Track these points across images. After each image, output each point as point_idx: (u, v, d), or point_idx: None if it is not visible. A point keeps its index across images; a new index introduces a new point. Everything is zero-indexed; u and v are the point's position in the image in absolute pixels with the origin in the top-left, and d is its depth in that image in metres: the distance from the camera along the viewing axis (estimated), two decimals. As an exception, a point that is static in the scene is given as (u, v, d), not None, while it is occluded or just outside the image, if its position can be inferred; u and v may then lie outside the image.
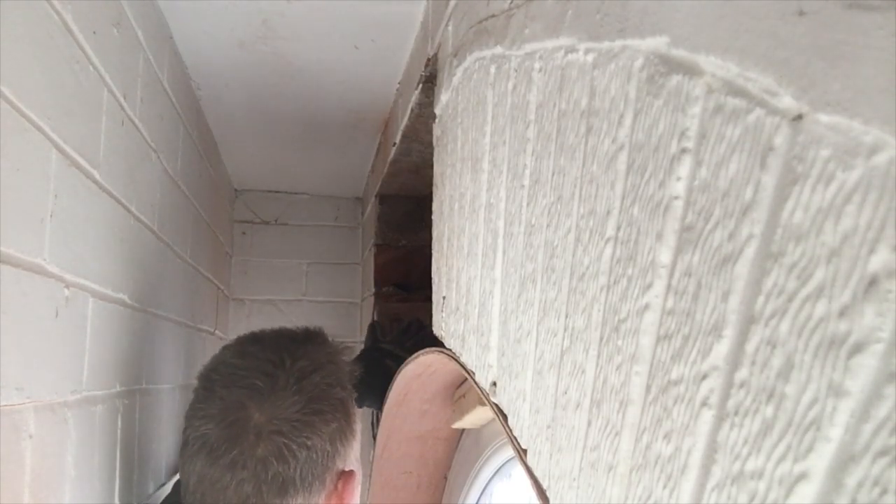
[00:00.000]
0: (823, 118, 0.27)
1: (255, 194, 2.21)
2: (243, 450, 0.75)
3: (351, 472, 0.83)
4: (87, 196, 0.75)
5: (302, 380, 0.80)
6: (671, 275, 0.37)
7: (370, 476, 1.48)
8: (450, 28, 0.93)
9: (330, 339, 0.91)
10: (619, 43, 0.44)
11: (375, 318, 1.65)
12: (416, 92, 1.13)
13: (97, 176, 0.78)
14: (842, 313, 0.25)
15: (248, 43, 1.22)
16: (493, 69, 0.71)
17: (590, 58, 0.48)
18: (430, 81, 1.08)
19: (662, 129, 0.39)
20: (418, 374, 1.24)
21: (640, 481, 0.39)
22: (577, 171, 0.50)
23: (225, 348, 0.87)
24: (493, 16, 0.71)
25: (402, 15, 1.12)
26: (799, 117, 0.28)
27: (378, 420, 1.44)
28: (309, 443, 0.77)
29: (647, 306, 0.39)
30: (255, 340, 0.86)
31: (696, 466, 0.34)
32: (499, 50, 0.69)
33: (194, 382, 0.84)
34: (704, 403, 0.34)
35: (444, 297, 0.97)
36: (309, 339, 0.87)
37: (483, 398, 0.75)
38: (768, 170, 0.30)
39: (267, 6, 1.09)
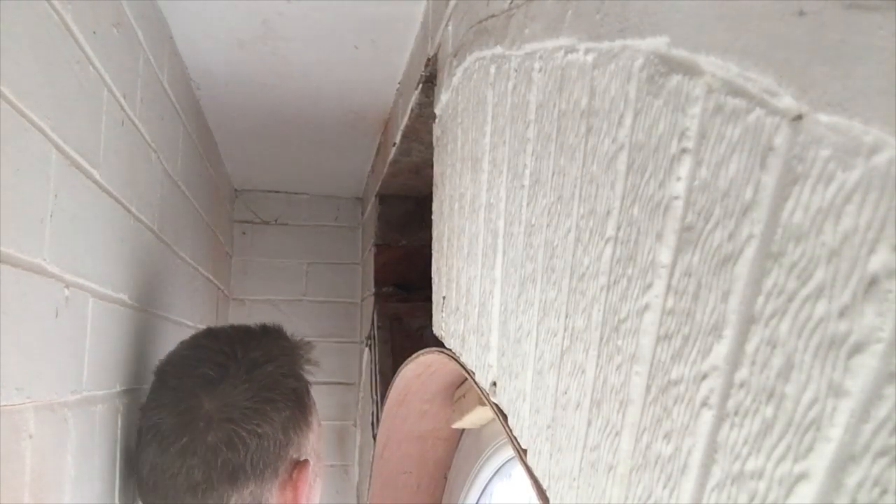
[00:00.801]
0: (823, 118, 0.27)
1: (255, 194, 2.21)
2: (194, 437, 0.76)
3: (305, 462, 0.83)
4: (87, 196, 0.75)
5: (253, 369, 0.80)
6: (671, 275, 0.37)
7: (370, 476, 1.48)
8: (450, 28, 0.93)
9: (290, 335, 0.91)
10: (619, 43, 0.44)
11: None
12: (416, 92, 1.13)
13: (97, 176, 0.78)
14: (842, 313, 0.25)
15: (248, 43, 1.22)
16: (493, 69, 0.71)
17: (590, 58, 0.48)
18: (430, 81, 1.08)
19: (662, 129, 0.39)
20: (418, 374, 1.24)
21: (640, 481, 0.39)
22: (577, 171, 0.50)
23: (180, 343, 0.88)
24: (493, 16, 0.71)
25: (402, 15, 1.12)
26: (799, 117, 0.28)
27: (378, 420, 1.44)
28: (259, 430, 0.77)
29: (647, 306, 0.39)
30: (208, 334, 0.88)
31: (696, 466, 0.34)
32: (499, 50, 0.69)
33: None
34: (704, 403, 0.34)
35: (444, 297, 0.97)
36: (265, 333, 0.88)
37: (483, 398, 0.75)
38: (768, 170, 0.30)
39: (267, 6, 1.09)
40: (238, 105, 1.50)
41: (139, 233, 0.97)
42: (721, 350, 0.33)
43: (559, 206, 0.53)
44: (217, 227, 1.77)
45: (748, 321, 0.31)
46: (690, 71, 0.36)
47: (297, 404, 0.83)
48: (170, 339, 1.21)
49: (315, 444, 0.87)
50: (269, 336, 0.88)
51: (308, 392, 0.87)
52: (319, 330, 2.19)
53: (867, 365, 0.24)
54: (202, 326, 1.59)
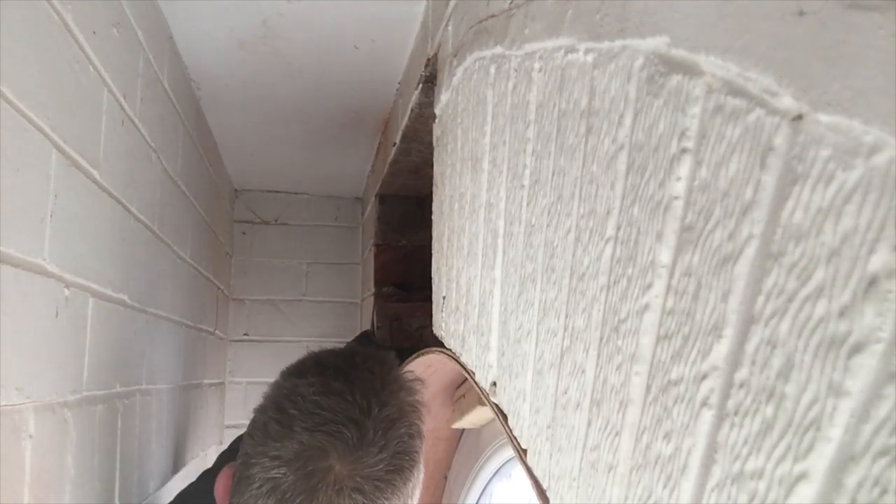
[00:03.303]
0: (823, 118, 0.27)
1: (255, 194, 2.21)
2: None
3: None
4: (87, 196, 0.75)
5: (388, 430, 0.73)
6: (671, 275, 0.37)
7: (370, 476, 1.48)
8: (450, 28, 0.93)
9: (398, 366, 0.84)
10: (619, 43, 0.44)
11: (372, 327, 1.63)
12: (416, 92, 1.13)
13: (97, 176, 0.78)
14: (842, 313, 0.25)
15: (248, 43, 1.22)
16: (493, 69, 0.71)
17: (590, 58, 0.48)
18: (430, 81, 1.08)
19: (662, 129, 0.39)
20: (418, 374, 1.24)
21: (640, 481, 0.39)
22: (577, 171, 0.50)
23: (300, 375, 0.78)
24: (493, 16, 0.71)
25: (402, 15, 1.12)
26: (799, 117, 0.28)
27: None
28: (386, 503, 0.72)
29: (647, 306, 0.39)
30: (338, 374, 0.77)
31: (696, 466, 0.34)
32: (499, 50, 0.69)
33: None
34: (704, 403, 0.34)
35: (444, 297, 0.97)
36: (390, 377, 0.79)
37: (483, 398, 0.75)
38: (768, 170, 0.30)
39: (267, 6, 1.09)
40: (238, 105, 1.50)
41: (139, 233, 0.97)
42: (721, 350, 0.33)
43: (559, 206, 0.53)
44: (217, 227, 1.77)
45: (748, 321, 0.31)
46: (690, 71, 0.36)
47: (418, 469, 0.77)
48: (170, 339, 1.21)
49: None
50: (397, 382, 0.79)
51: (423, 445, 0.80)
52: (319, 330, 2.19)
53: (867, 365, 0.24)
54: (202, 326, 1.59)
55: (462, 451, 1.43)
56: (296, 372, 0.78)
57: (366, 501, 0.70)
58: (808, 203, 0.27)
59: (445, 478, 1.48)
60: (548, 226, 0.56)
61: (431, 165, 1.08)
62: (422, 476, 0.79)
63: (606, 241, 0.45)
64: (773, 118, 0.30)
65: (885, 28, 0.24)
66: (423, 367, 1.20)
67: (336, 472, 0.69)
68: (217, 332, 1.86)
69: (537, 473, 0.56)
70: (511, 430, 0.64)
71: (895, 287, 0.23)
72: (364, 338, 1.58)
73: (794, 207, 0.28)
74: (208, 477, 0.95)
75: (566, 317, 0.51)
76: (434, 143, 1.06)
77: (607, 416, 0.44)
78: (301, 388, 0.75)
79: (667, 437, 0.37)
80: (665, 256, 0.38)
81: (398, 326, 1.65)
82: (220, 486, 0.75)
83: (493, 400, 0.70)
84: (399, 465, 0.73)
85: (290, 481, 0.69)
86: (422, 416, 0.79)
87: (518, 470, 1.06)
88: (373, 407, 0.73)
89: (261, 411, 0.76)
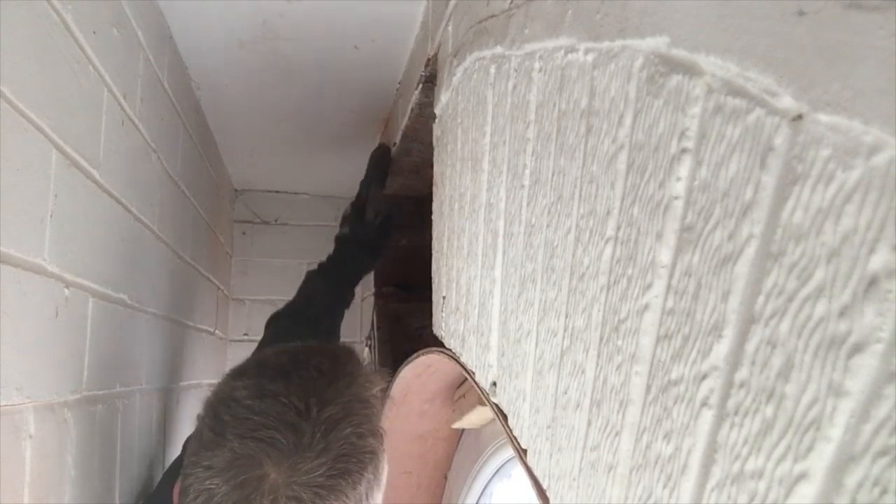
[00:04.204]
0: (823, 118, 0.27)
1: (255, 194, 2.21)
2: None
3: None
4: (87, 196, 0.75)
5: (329, 432, 0.68)
6: (671, 275, 0.37)
7: (370, 476, 1.48)
8: (450, 28, 0.93)
9: (362, 362, 0.79)
10: (619, 43, 0.44)
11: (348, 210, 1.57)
12: (416, 92, 1.13)
13: (97, 176, 0.78)
14: (842, 313, 0.25)
15: (248, 43, 1.22)
16: (493, 69, 0.71)
17: (590, 58, 0.48)
18: (430, 81, 1.08)
19: (662, 129, 0.39)
20: (418, 374, 1.24)
21: (640, 481, 0.39)
22: (577, 171, 0.50)
23: (238, 377, 0.73)
24: (493, 16, 0.71)
25: (402, 15, 1.12)
26: (799, 117, 0.28)
27: (378, 420, 1.44)
28: None
29: (647, 306, 0.39)
30: (276, 375, 0.72)
31: (696, 466, 0.34)
32: (499, 50, 0.69)
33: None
34: (704, 403, 0.34)
35: (444, 297, 0.97)
36: (339, 373, 0.74)
37: (483, 398, 0.75)
38: (768, 170, 0.30)
39: (267, 6, 1.09)
40: (238, 105, 1.50)
41: (139, 233, 0.97)
42: (721, 350, 0.33)
43: (559, 206, 0.53)
44: (217, 227, 1.77)
45: (748, 321, 0.31)
46: (690, 71, 0.36)
47: (374, 469, 0.71)
48: (170, 339, 1.21)
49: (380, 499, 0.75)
50: (345, 377, 0.74)
51: (383, 443, 0.74)
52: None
53: (867, 365, 0.24)
54: (202, 326, 1.59)
55: (462, 451, 1.43)
56: (236, 373, 0.74)
57: None
58: (808, 203, 0.27)
59: (445, 478, 1.48)
60: (548, 226, 0.56)
61: (431, 165, 1.08)
62: (381, 475, 0.73)
63: (606, 241, 0.45)
64: (773, 118, 0.30)
65: (885, 28, 0.24)
66: (423, 367, 1.20)
67: (271, 481, 0.65)
68: (217, 332, 1.86)
69: (537, 473, 0.56)
70: (511, 430, 0.64)
71: (895, 287, 0.23)
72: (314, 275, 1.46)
73: (794, 207, 0.28)
74: (164, 483, 0.90)
75: (566, 317, 0.51)
76: (434, 143, 1.06)
77: (607, 416, 0.44)
78: (236, 392, 0.71)
79: (667, 437, 0.37)
80: (665, 256, 0.38)
81: (398, 326, 1.64)
82: (175, 499, 0.71)
83: (493, 400, 0.70)
84: (344, 469, 0.67)
85: (222, 492, 0.65)
86: (376, 412, 0.74)
87: (518, 470, 1.06)
88: (311, 408, 0.69)
89: (199, 418, 0.72)
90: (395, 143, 1.40)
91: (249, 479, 0.65)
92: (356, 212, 1.51)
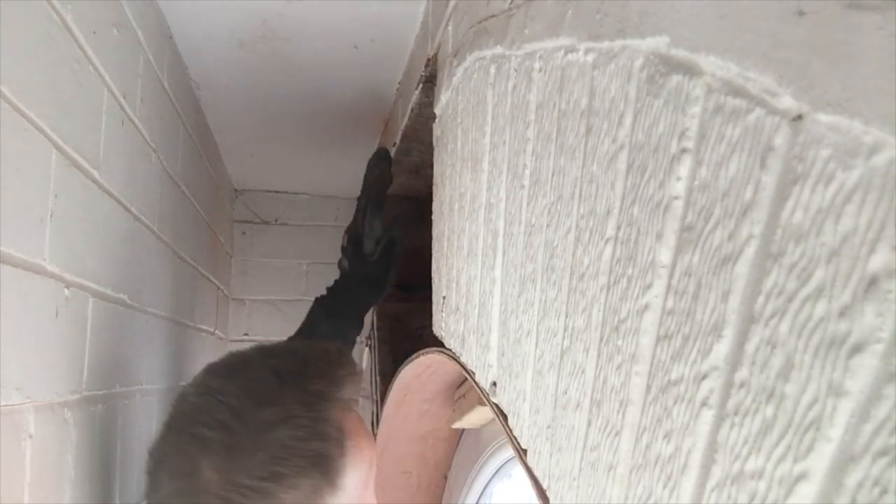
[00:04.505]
0: (823, 118, 0.27)
1: (255, 194, 2.21)
2: None
3: None
4: (87, 196, 0.75)
5: (263, 434, 0.66)
6: (671, 275, 0.37)
7: (370, 476, 1.48)
8: (450, 28, 0.93)
9: (345, 363, 0.76)
10: (619, 43, 0.44)
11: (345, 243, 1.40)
12: (416, 92, 1.13)
13: (97, 176, 0.78)
14: (842, 313, 0.25)
15: (248, 43, 1.22)
16: (493, 69, 0.71)
17: (590, 58, 0.48)
18: (430, 81, 1.08)
19: (662, 129, 0.39)
20: (418, 374, 1.24)
21: (640, 481, 0.39)
22: (577, 171, 0.50)
23: (202, 371, 0.75)
24: (493, 16, 0.71)
25: (402, 15, 1.12)
26: (799, 117, 0.28)
27: (378, 420, 1.44)
28: None
29: (647, 306, 0.39)
30: (225, 373, 0.72)
31: (696, 466, 0.34)
32: (499, 50, 0.69)
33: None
34: (704, 403, 0.34)
35: (444, 297, 0.97)
36: (296, 375, 0.72)
37: (483, 398, 0.75)
38: (768, 170, 0.30)
39: (267, 6, 1.09)
40: (238, 105, 1.50)
41: (139, 233, 0.97)
42: (721, 350, 0.33)
43: (559, 206, 0.53)
44: (217, 227, 1.77)
45: (748, 321, 0.31)
46: (690, 71, 0.36)
47: (323, 471, 0.67)
48: (170, 339, 1.21)
49: (357, 498, 0.71)
50: (304, 380, 0.71)
51: (341, 446, 0.70)
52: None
53: (867, 365, 0.24)
54: (202, 326, 1.59)
55: (462, 451, 1.43)
56: (207, 367, 0.76)
57: None
58: (808, 203, 0.27)
59: (445, 478, 1.48)
60: (548, 226, 0.56)
61: (431, 165, 1.08)
62: (340, 479, 0.69)
63: (606, 241, 0.45)
64: (773, 118, 0.30)
65: (885, 28, 0.24)
66: (423, 367, 1.20)
67: (205, 478, 0.64)
68: (217, 332, 1.86)
69: (537, 473, 0.56)
70: (511, 430, 0.64)
71: (895, 287, 0.23)
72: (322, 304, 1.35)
73: (794, 207, 0.28)
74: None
75: (566, 317, 0.51)
76: (434, 143, 1.06)
77: (607, 416, 0.44)
78: (187, 388, 0.73)
79: (667, 437, 0.37)
80: (665, 256, 0.38)
81: (398, 327, 1.64)
82: None
83: (493, 400, 0.70)
84: (276, 472, 0.65)
85: (166, 487, 0.67)
86: (327, 412, 0.70)
87: (518, 470, 1.06)
88: (244, 409, 0.67)
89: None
90: (395, 143, 1.40)
91: (187, 472, 0.65)
92: (353, 243, 1.34)
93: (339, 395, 0.72)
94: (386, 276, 1.33)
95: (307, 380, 0.72)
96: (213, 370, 0.75)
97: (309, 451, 0.67)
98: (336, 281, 1.35)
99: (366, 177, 1.34)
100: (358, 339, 1.37)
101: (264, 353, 0.76)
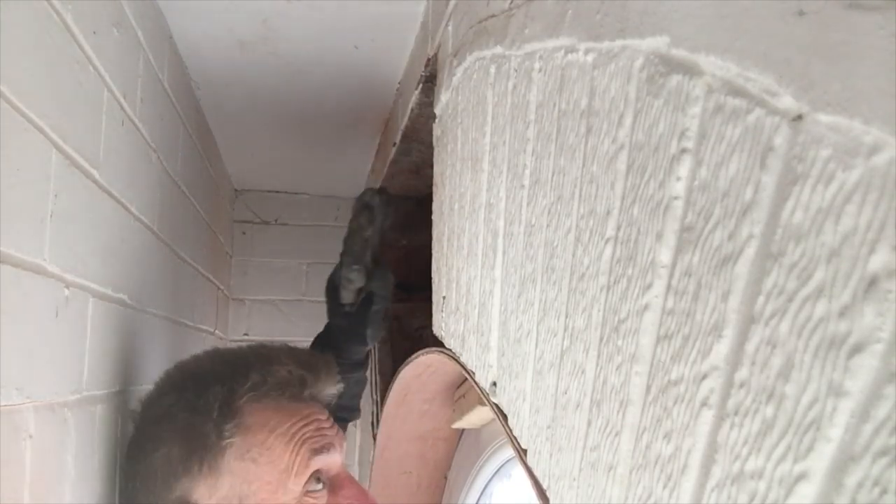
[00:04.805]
0: (823, 118, 0.27)
1: (255, 194, 2.21)
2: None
3: None
4: (87, 196, 0.75)
5: (160, 398, 0.78)
6: (671, 275, 0.37)
7: (370, 476, 1.48)
8: (450, 28, 0.93)
9: (267, 361, 0.79)
10: (619, 43, 0.44)
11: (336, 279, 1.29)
12: (416, 92, 1.13)
13: (97, 176, 0.78)
14: (842, 313, 0.25)
15: (248, 43, 1.22)
16: (493, 69, 0.71)
17: (590, 58, 0.48)
18: (430, 81, 1.08)
19: (662, 129, 0.39)
20: (418, 374, 1.24)
21: (640, 481, 0.39)
22: (577, 171, 0.50)
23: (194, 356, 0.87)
24: (493, 16, 0.71)
25: (402, 15, 1.12)
26: (799, 117, 0.28)
27: (378, 420, 1.44)
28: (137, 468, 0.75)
29: (647, 306, 0.39)
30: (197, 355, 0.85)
31: (696, 466, 0.34)
32: (499, 50, 0.69)
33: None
34: (704, 403, 0.34)
35: (444, 297, 0.97)
36: (218, 362, 0.80)
37: (483, 398, 0.75)
38: (768, 170, 0.30)
39: (267, 6, 1.09)
40: (238, 105, 1.50)
41: (139, 233, 0.97)
42: (721, 350, 0.33)
43: (559, 206, 0.53)
44: (217, 227, 1.77)
45: (748, 321, 0.31)
46: (690, 71, 0.36)
47: (189, 444, 0.72)
48: (170, 339, 1.21)
49: (244, 488, 0.72)
50: (219, 365, 0.79)
51: (219, 427, 0.72)
52: (319, 330, 2.19)
53: (867, 365, 0.24)
54: (202, 326, 1.59)
55: (462, 451, 1.43)
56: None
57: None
58: (808, 203, 0.27)
59: (445, 478, 1.48)
60: (548, 226, 0.56)
61: (431, 165, 1.08)
62: (201, 460, 0.72)
63: (606, 241, 0.45)
64: (773, 118, 0.30)
65: (885, 28, 0.24)
66: (423, 367, 1.20)
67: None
68: (217, 332, 1.86)
69: (537, 473, 0.56)
70: (511, 430, 0.64)
71: (895, 287, 0.23)
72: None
73: (794, 207, 0.28)
74: None
75: (566, 317, 0.51)
76: (434, 143, 1.06)
77: (607, 416, 0.44)
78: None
79: (667, 437, 0.37)
80: (665, 256, 0.38)
81: (398, 326, 1.65)
82: None
83: (493, 400, 0.70)
84: (153, 433, 0.76)
85: None
86: (225, 397, 0.74)
87: (518, 470, 1.06)
88: (173, 377, 0.80)
89: None
90: (395, 143, 1.40)
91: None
92: (331, 292, 1.27)
93: (250, 387, 0.75)
94: (365, 333, 1.21)
95: (226, 365, 0.78)
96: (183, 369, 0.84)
97: (180, 421, 0.73)
98: (324, 331, 1.30)
99: (349, 221, 1.26)
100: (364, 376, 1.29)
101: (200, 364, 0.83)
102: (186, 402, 0.74)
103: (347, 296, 1.21)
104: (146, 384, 0.96)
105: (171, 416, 0.73)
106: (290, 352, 0.82)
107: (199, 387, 0.75)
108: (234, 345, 2.17)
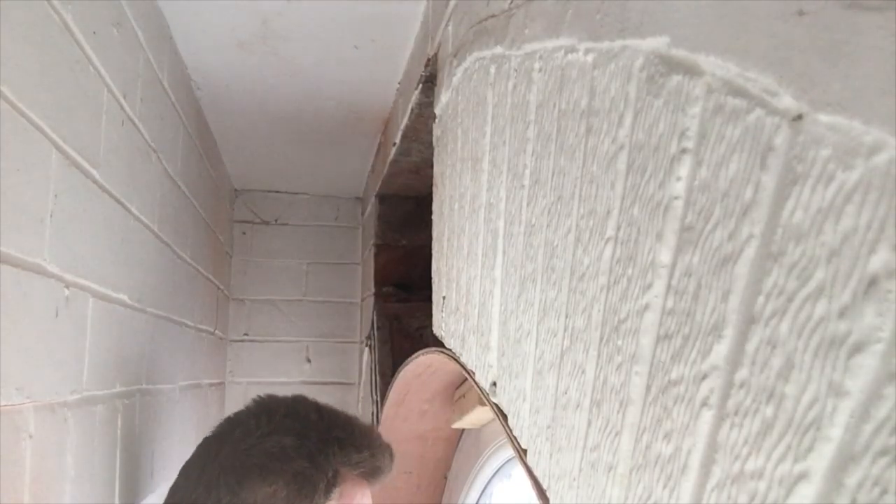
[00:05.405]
0: (823, 118, 0.27)
1: (255, 194, 2.21)
2: None
3: None
4: (87, 196, 0.75)
5: (270, 436, 0.79)
6: (671, 275, 0.37)
7: (370, 476, 1.48)
8: (450, 28, 0.93)
9: (372, 442, 0.83)
10: (619, 43, 0.44)
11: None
12: (416, 92, 1.13)
13: (97, 176, 0.78)
14: (842, 313, 0.25)
15: (248, 43, 1.22)
16: (493, 69, 0.71)
17: (590, 58, 0.48)
18: (430, 81, 1.08)
19: (662, 129, 0.39)
20: (418, 374, 1.24)
21: (640, 481, 0.39)
22: (577, 171, 0.50)
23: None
24: (493, 16, 0.71)
25: (402, 15, 1.12)
26: (799, 117, 0.28)
27: (378, 420, 1.44)
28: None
29: (647, 306, 0.39)
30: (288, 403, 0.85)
31: (696, 466, 0.34)
32: (499, 50, 0.69)
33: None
34: (704, 403, 0.34)
35: (444, 297, 0.97)
36: (326, 424, 0.82)
37: (483, 398, 0.75)
38: (768, 170, 0.30)
39: (267, 6, 1.09)
40: (238, 105, 1.50)
41: (139, 233, 0.97)
42: (721, 350, 0.33)
43: (559, 206, 0.53)
44: (217, 227, 1.77)
45: (748, 321, 0.31)
46: (690, 71, 0.36)
47: (299, 487, 0.76)
48: (170, 339, 1.21)
49: None
50: (327, 428, 0.81)
51: (329, 490, 0.77)
52: (319, 330, 2.19)
53: (867, 365, 0.24)
54: (202, 326, 1.59)
55: (462, 451, 1.43)
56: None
57: None
58: (808, 203, 0.27)
59: (445, 478, 1.48)
60: (548, 226, 0.56)
61: (431, 165, 1.08)
62: None
63: (606, 241, 0.45)
64: (773, 118, 0.30)
65: (885, 28, 0.24)
66: (423, 367, 1.20)
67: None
68: (217, 331, 1.86)
69: (537, 473, 0.56)
70: (511, 430, 0.64)
71: (895, 287, 0.23)
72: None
73: (794, 207, 0.28)
74: None
75: (566, 317, 0.51)
76: (434, 143, 1.06)
77: (607, 416, 0.44)
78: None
79: (667, 437, 0.37)
80: (665, 256, 0.38)
81: (398, 326, 1.65)
82: None
83: (493, 400, 0.70)
84: (261, 465, 0.77)
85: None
86: (337, 466, 0.79)
87: (518, 470, 1.06)
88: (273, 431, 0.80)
89: None
90: (395, 143, 1.40)
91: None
92: None
93: (357, 461, 0.81)
94: None
95: (343, 430, 0.82)
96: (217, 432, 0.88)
97: (297, 467, 0.76)
98: None
99: None
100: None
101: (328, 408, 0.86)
102: (308, 451, 0.78)
103: None
104: (146, 384, 0.96)
105: (288, 457, 0.76)
106: (387, 445, 0.88)
107: (322, 442, 0.79)
108: (234, 344, 2.18)
